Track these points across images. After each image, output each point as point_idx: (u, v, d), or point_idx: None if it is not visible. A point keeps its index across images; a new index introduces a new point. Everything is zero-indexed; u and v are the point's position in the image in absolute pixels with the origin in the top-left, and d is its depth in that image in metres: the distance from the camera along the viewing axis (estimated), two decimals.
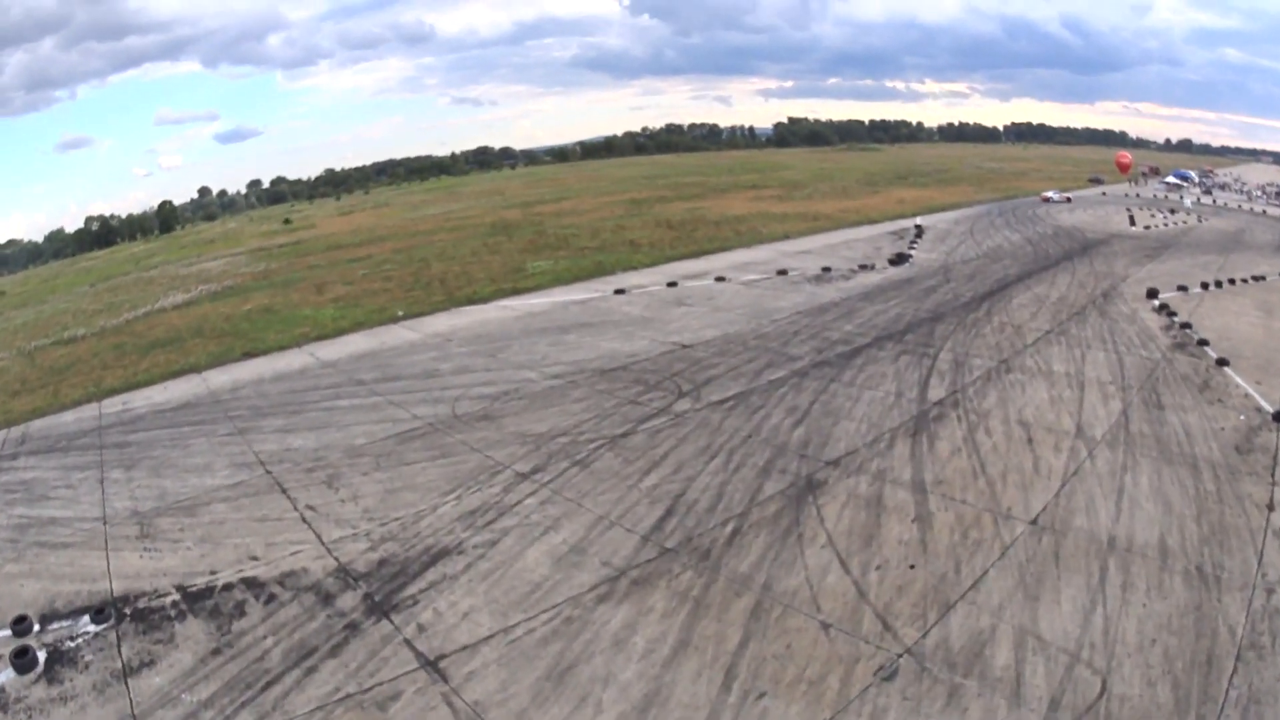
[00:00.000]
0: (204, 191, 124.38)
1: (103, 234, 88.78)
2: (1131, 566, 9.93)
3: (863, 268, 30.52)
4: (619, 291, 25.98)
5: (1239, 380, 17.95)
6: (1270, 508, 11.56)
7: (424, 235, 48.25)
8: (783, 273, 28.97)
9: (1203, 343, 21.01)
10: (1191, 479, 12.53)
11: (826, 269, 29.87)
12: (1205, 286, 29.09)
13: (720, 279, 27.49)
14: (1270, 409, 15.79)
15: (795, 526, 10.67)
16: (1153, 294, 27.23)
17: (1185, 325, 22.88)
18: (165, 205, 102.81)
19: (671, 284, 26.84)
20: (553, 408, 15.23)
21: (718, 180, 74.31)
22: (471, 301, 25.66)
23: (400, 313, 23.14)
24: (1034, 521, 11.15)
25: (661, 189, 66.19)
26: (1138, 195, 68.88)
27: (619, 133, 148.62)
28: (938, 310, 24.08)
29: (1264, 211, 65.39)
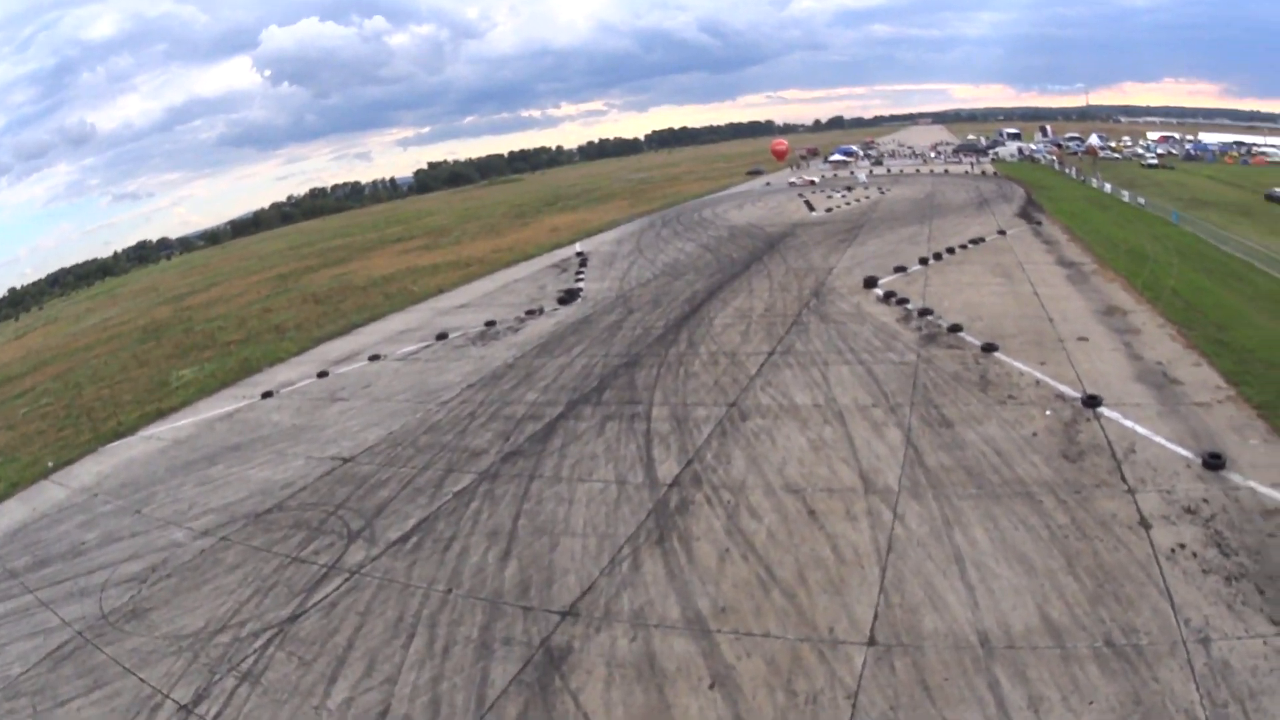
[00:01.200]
0: None
1: None
2: (1028, 670, 12.10)
3: (530, 314, 41.29)
4: (267, 395, 34.02)
5: (1019, 365, 25.02)
6: (1145, 524, 15.55)
7: (82, 352, 67.28)
8: (443, 336, 38.88)
9: (955, 329, 29.16)
10: (1036, 516, 16.37)
11: (490, 323, 40.20)
12: (924, 262, 41.40)
13: (375, 357, 36.91)
14: (1074, 394, 22.13)
15: None
16: (871, 282, 38.08)
17: (925, 311, 31.91)
18: None
19: (322, 374, 35.76)
20: (206, 585, 18.57)
21: (363, 239, 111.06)
22: (118, 435, 33.15)
23: (50, 463, 30.81)
24: (871, 640, 13.41)
25: (308, 258, 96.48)
26: (804, 180, 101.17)
27: (266, 205, 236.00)
28: (630, 351, 32.17)
29: (945, 171, 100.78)
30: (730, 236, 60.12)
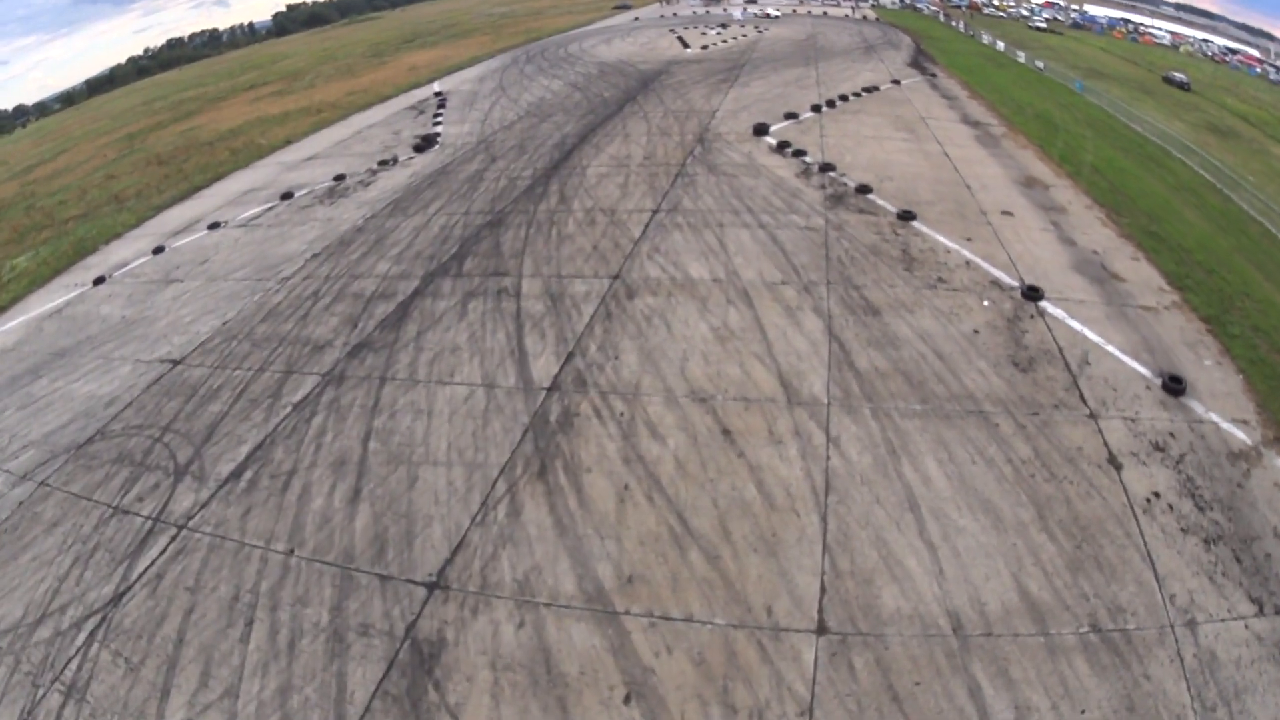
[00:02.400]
0: None
1: None
2: (1010, 669, 11.06)
3: (384, 164, 38.57)
4: (99, 281, 30.37)
5: (943, 240, 23.37)
6: (1115, 463, 14.52)
7: None
8: (288, 196, 35.86)
9: (864, 189, 27.42)
10: (994, 445, 14.95)
11: (340, 177, 37.46)
12: (817, 110, 39.83)
13: (214, 226, 33.66)
14: (1011, 282, 20.71)
15: None
16: (761, 130, 35.66)
17: (827, 167, 30.12)
18: None
19: (158, 250, 32.36)
20: (25, 553, 16.00)
21: (216, 88, 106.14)
22: None
23: None
24: (821, 627, 11.79)
25: (159, 113, 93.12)
26: (675, 15, 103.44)
27: (124, 60, 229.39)
28: (494, 208, 29.40)
29: (824, 14, 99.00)
30: (600, 74, 56.94)
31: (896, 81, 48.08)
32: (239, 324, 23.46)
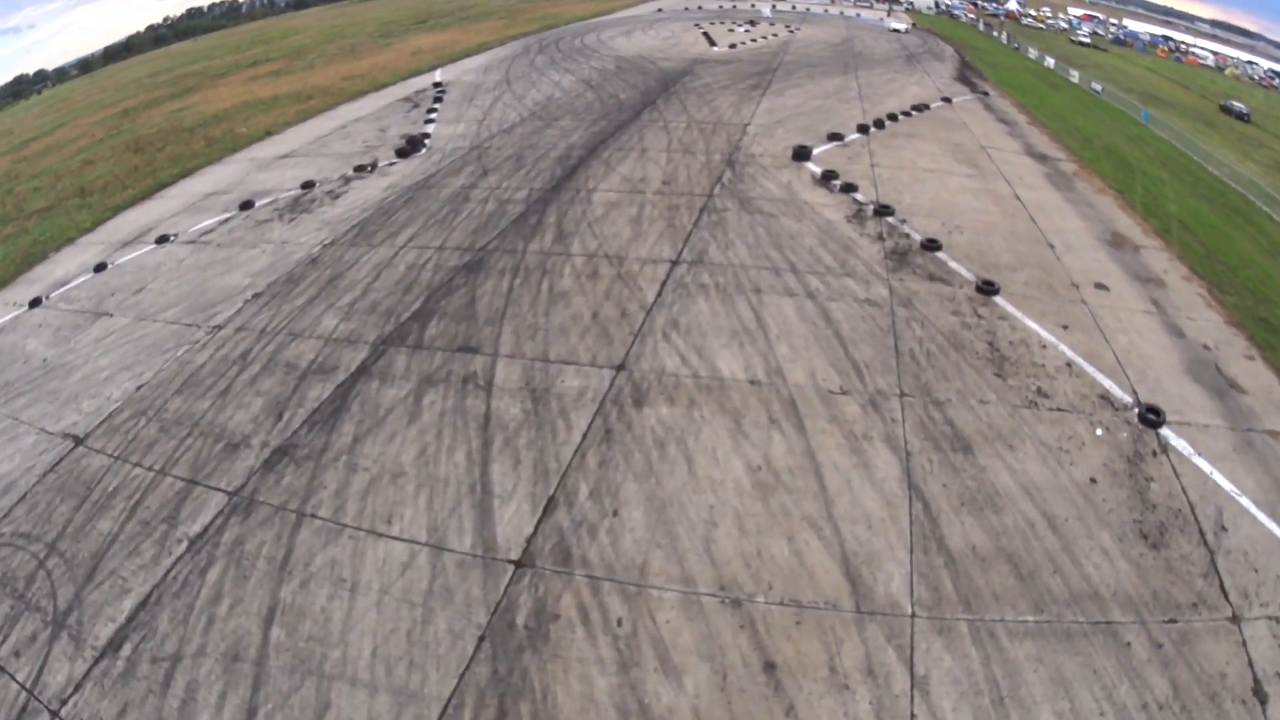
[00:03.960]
0: None
1: None
2: None
3: (360, 170, 34.31)
4: (35, 303, 27.12)
5: (1034, 327, 19.13)
6: (1260, 696, 10.95)
7: None
8: (248, 206, 31.67)
9: (931, 244, 22.81)
10: (1127, 684, 11.08)
11: (308, 185, 33.14)
12: (864, 130, 34.96)
13: (163, 239, 29.69)
14: (1123, 395, 16.81)
15: None
16: (802, 154, 30.71)
17: (884, 209, 25.21)
18: None
19: (100, 266, 28.68)
20: None
21: (221, 62, 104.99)
22: None
23: None
24: None
25: (161, 86, 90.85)
26: (700, 8, 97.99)
27: (143, 28, 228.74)
28: (476, 243, 24.76)
29: (857, 15, 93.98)
30: (617, 70, 51.73)
31: (947, 99, 43.49)
32: (153, 392, 19.59)
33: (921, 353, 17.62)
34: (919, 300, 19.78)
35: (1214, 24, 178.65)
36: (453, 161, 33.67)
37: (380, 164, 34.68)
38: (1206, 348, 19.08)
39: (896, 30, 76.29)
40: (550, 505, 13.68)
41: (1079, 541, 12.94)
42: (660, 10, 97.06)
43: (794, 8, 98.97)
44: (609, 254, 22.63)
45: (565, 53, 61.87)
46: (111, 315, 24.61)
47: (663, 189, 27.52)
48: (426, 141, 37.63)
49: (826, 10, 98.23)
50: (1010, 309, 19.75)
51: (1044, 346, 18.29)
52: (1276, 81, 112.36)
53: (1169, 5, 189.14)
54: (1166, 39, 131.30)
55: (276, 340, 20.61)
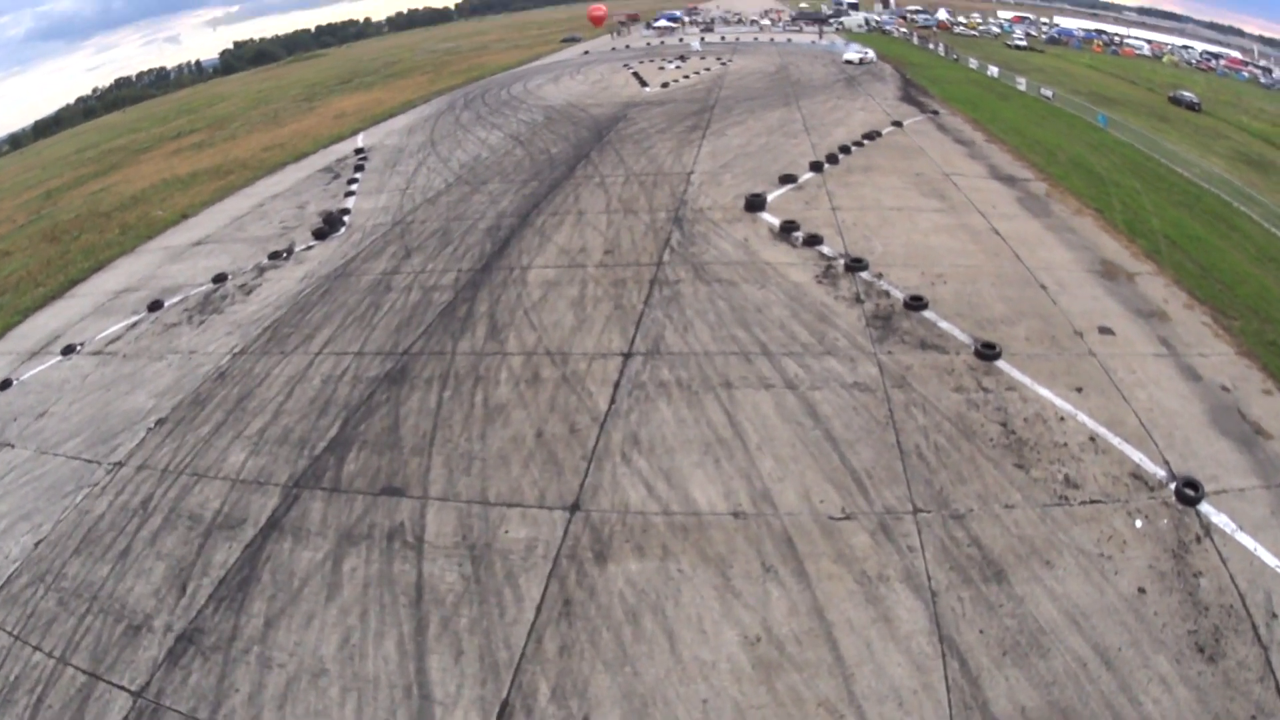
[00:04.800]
0: None
1: None
2: None
3: (275, 258, 32.02)
4: None
5: (1047, 394, 17.32)
6: None
7: None
8: (156, 306, 29.70)
9: (917, 303, 20.73)
10: None
11: (220, 278, 31.09)
12: (818, 168, 33.04)
13: (70, 349, 27.81)
14: (1153, 467, 15.03)
15: None
16: (756, 203, 28.56)
17: (856, 263, 23.15)
18: None
19: (5, 384, 27.03)
20: None
21: (147, 135, 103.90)
22: None
23: None
24: None
25: (86, 164, 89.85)
26: (627, 47, 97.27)
27: (73, 100, 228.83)
28: (399, 345, 22.39)
29: (789, 40, 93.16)
30: (546, 121, 50.30)
31: (898, 123, 42.01)
32: (52, 550, 17.21)
33: (929, 448, 15.32)
34: (915, 377, 17.61)
35: (1141, 11, 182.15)
36: (373, 241, 31.59)
37: (296, 249, 32.54)
38: (1225, 389, 17.94)
39: (851, 62, 69.79)
40: (505, 714, 11.15)
41: (1135, 674, 11.31)
42: (587, 52, 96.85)
43: (723, 39, 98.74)
44: (550, 349, 20.27)
45: (492, 106, 60.73)
46: (13, 446, 22.54)
47: (605, 260, 25.34)
48: (346, 219, 35.60)
49: (756, 39, 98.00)
50: (1017, 375, 17.89)
51: (1062, 419, 16.43)
52: (1213, 63, 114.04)
53: None
54: (1100, 33, 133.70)
55: (179, 482, 18.23)
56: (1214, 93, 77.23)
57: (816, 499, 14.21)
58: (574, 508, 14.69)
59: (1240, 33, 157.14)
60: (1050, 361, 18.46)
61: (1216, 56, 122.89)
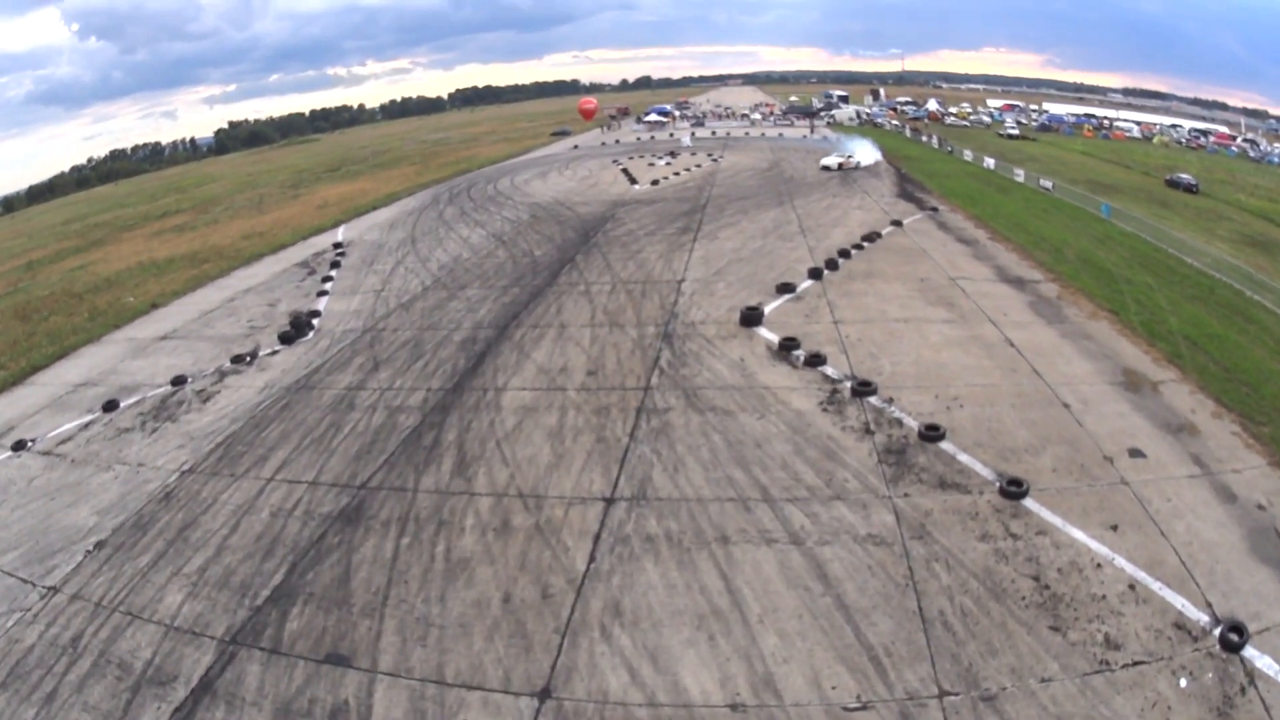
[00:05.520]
0: None
1: None
2: None
3: (238, 362, 30.87)
4: None
5: (1080, 536, 15.98)
6: None
7: None
8: (112, 406, 28.64)
9: (932, 433, 19.25)
10: None
11: (179, 381, 30.04)
12: (817, 275, 31.90)
13: (20, 445, 26.76)
14: (1196, 613, 14.02)
15: None
16: (752, 317, 27.23)
17: (863, 386, 21.73)
18: None
19: None
20: None
21: (134, 211, 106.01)
22: None
23: None
24: None
25: (70, 237, 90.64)
26: (617, 142, 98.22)
27: (68, 168, 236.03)
28: (357, 477, 20.75)
29: (780, 135, 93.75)
30: (531, 220, 49.77)
31: (898, 222, 41.41)
32: None
33: (955, 614, 13.71)
34: (935, 525, 16.03)
35: (1126, 92, 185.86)
36: (341, 350, 30.34)
37: (261, 353, 31.38)
38: (1261, 507, 17.14)
39: (830, 169, 63.70)
40: None
41: None
42: (576, 147, 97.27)
43: (714, 133, 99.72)
44: (524, 490, 18.65)
45: (477, 201, 60.37)
46: None
47: (588, 383, 24.00)
48: (315, 322, 34.30)
49: (747, 134, 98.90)
50: (1046, 515, 16.49)
51: (1098, 565, 15.10)
52: (1202, 140, 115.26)
53: (1080, 81, 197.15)
54: (1089, 116, 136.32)
55: (112, 621, 16.80)
56: (1208, 172, 77.65)
57: (828, 684, 12.54)
58: (544, 694, 13.03)
59: (1224, 106, 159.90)
60: (1081, 496, 17.21)
61: (1205, 133, 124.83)
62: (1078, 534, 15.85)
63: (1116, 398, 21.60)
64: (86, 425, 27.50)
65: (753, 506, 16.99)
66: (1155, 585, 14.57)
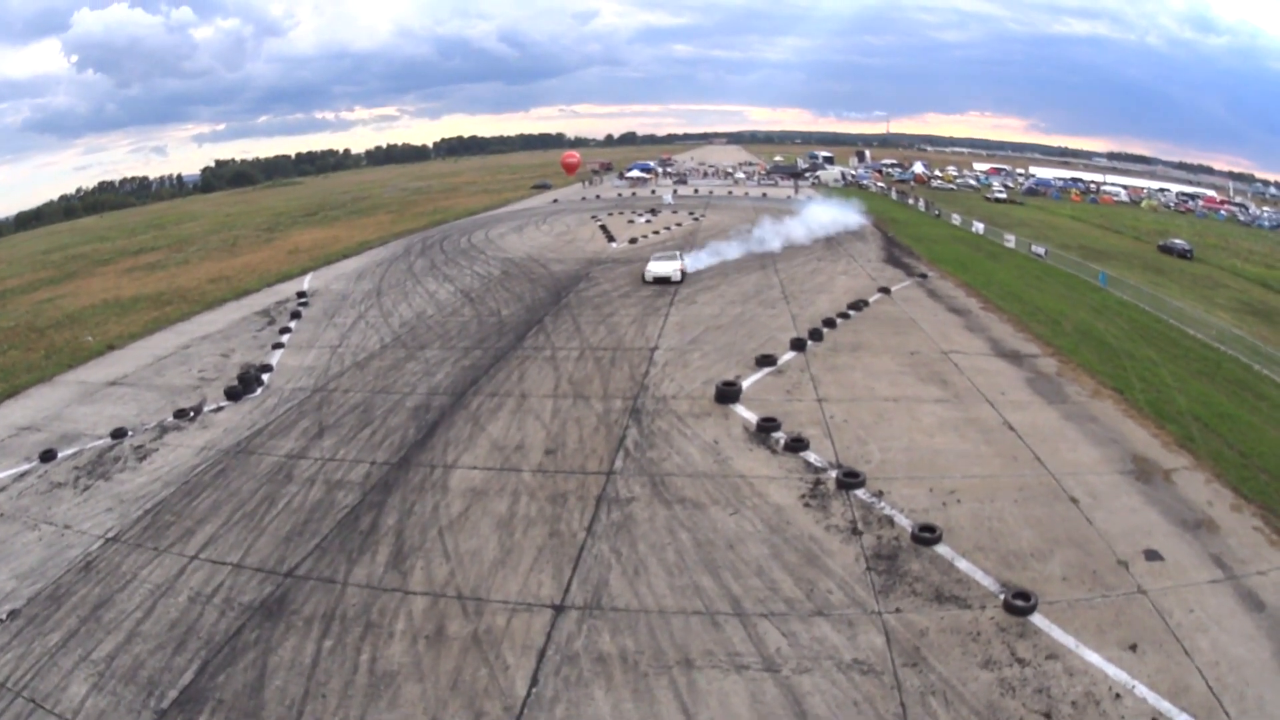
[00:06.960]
0: None
1: None
2: None
3: (181, 416, 30.11)
4: None
5: (1096, 660, 14.34)
6: None
7: None
8: (49, 457, 27.60)
9: (927, 534, 17.50)
10: None
11: (119, 434, 28.98)
12: (800, 346, 30.57)
13: None
14: None
15: None
16: (729, 393, 25.68)
17: (849, 477, 19.99)
18: None
19: None
20: None
21: (112, 246, 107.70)
22: None
23: None
24: None
25: (47, 268, 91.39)
26: (597, 197, 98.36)
27: (58, 197, 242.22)
28: (284, 563, 19.19)
29: (763, 195, 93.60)
30: (503, 276, 49.44)
31: (885, 290, 40.51)
32: None
33: None
34: (931, 649, 14.25)
35: (1111, 156, 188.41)
36: (288, 411, 29.20)
37: (205, 409, 30.49)
38: None
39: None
40: None
41: None
42: (556, 201, 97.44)
43: (696, 191, 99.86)
44: (463, 591, 16.88)
45: (449, 254, 60.25)
46: None
47: (545, 464, 22.30)
48: (266, 377, 33.49)
49: (730, 192, 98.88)
50: (1058, 634, 14.83)
51: (1117, 696, 13.47)
52: (1190, 204, 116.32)
53: (1064, 145, 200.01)
54: (1076, 180, 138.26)
55: (14, 708, 15.52)
56: (1200, 236, 78.44)
57: None
58: None
59: (1210, 170, 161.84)
60: (1096, 610, 15.65)
61: (1193, 197, 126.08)
62: (1093, 657, 14.28)
63: (1127, 489, 20.24)
64: (21, 476, 26.67)
65: (722, 622, 15.18)
66: (1182, 719, 13.06)
